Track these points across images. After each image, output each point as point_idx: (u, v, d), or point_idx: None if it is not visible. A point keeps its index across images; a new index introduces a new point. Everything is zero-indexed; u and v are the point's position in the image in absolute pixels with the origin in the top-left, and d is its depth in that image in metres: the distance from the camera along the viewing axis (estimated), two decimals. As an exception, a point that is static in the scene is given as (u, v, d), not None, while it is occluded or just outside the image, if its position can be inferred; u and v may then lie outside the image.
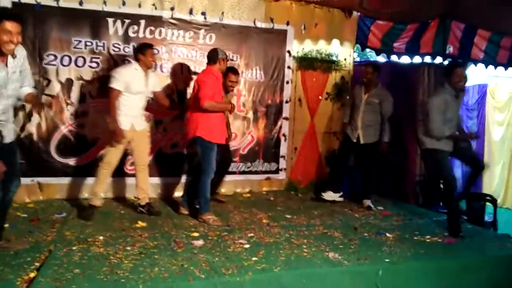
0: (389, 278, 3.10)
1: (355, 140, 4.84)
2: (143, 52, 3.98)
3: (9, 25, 2.61)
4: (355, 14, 5.56)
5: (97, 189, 4.01)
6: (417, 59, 5.99)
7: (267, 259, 3.13)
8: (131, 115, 3.99)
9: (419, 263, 3.27)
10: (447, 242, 3.76)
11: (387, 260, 3.24)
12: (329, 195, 4.88)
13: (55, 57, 4.47)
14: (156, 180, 4.87)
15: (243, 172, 5.28)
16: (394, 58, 5.95)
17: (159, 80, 4.48)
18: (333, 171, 5.18)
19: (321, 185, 5.39)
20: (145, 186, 4.22)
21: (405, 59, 6.01)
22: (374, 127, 4.79)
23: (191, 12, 4.86)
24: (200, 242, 3.40)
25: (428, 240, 3.80)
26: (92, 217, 3.94)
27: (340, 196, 4.93)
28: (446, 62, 5.90)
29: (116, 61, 4.62)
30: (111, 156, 3.98)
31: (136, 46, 4.24)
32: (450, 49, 5.83)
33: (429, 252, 3.48)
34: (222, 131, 4.10)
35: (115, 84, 3.88)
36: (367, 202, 4.82)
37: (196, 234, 3.63)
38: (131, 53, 4.48)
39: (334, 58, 5.54)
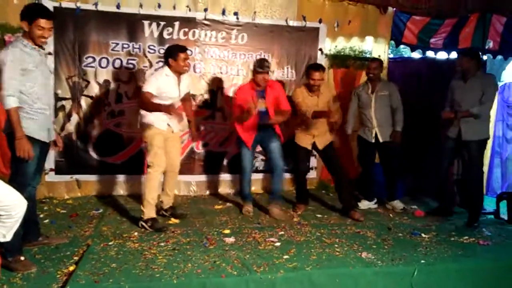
0: (425, 279, 3.02)
1: (373, 141, 4.57)
2: (174, 57, 3.67)
3: (43, 22, 2.83)
4: (391, 10, 5.43)
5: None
6: (454, 55, 5.78)
7: (298, 257, 3.12)
8: (166, 117, 3.73)
9: (456, 264, 3.16)
10: (484, 244, 3.63)
11: (422, 261, 3.16)
12: (364, 204, 4.71)
13: (94, 59, 4.63)
14: (188, 178, 4.96)
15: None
16: (430, 54, 5.78)
17: (192, 81, 4.41)
18: (362, 176, 4.94)
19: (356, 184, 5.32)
20: (171, 191, 4.08)
21: (441, 55, 5.81)
22: (389, 122, 4.54)
23: (223, 12, 4.90)
24: (231, 239, 3.44)
25: (465, 241, 3.68)
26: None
27: (375, 203, 4.76)
28: (485, 57, 5.66)
29: (151, 62, 4.75)
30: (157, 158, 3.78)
31: (166, 50, 3.84)
32: (490, 44, 5.56)
33: (467, 253, 3.37)
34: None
35: (148, 88, 3.63)
36: (399, 205, 4.67)
37: (227, 231, 3.67)
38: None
39: (368, 55, 5.44)
